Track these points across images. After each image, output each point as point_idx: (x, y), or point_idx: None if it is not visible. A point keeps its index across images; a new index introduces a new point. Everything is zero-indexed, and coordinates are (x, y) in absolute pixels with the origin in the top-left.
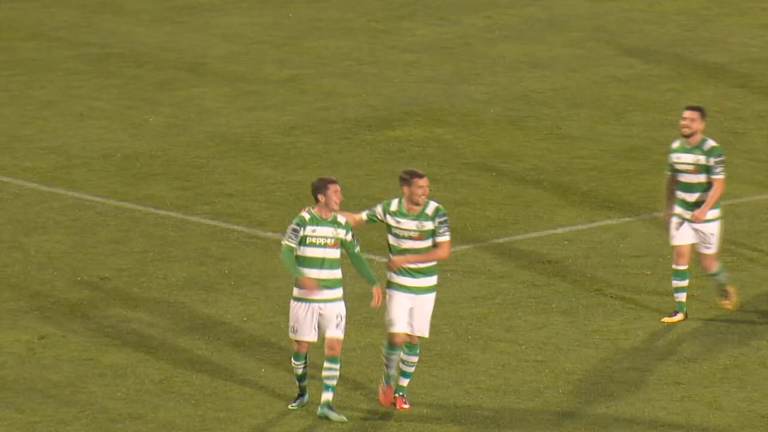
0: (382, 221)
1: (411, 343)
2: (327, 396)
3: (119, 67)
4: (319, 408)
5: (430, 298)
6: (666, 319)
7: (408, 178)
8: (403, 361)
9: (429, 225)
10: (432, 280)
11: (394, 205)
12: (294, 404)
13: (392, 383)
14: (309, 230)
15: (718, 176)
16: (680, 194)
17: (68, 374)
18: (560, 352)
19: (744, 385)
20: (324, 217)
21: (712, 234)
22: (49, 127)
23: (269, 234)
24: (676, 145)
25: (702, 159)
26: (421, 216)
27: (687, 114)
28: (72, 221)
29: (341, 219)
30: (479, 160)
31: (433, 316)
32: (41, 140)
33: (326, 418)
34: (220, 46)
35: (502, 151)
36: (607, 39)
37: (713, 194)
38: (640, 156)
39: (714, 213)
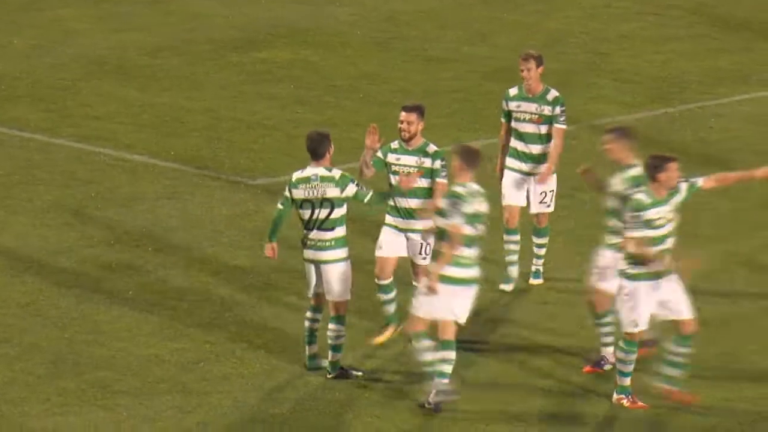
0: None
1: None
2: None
3: None
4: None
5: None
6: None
7: (663, 164)
8: (675, 354)
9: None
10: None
11: (644, 195)
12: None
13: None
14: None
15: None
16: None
17: None
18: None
19: None
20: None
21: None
22: None
23: (136, 157)
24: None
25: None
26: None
27: (403, 116)
28: None
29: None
30: (346, 82)
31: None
32: None
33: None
34: None
35: (369, 72)
36: None
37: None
38: (506, 77)
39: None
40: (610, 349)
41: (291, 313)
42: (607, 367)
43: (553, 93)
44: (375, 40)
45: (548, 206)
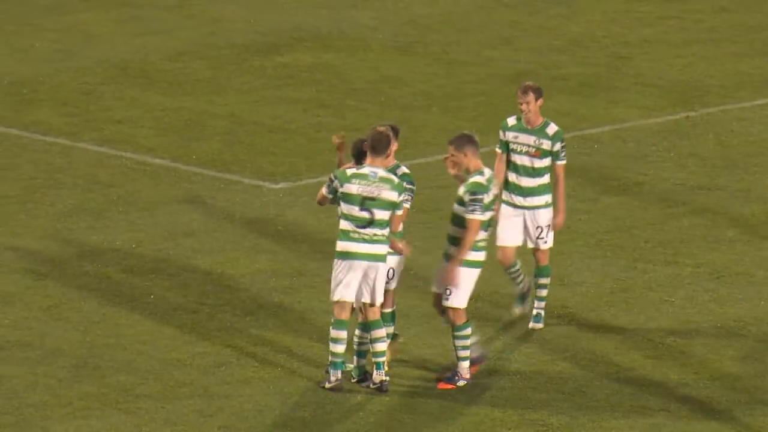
0: None
1: None
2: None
3: None
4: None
5: None
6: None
7: None
8: None
9: None
10: None
11: None
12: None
13: None
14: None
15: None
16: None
17: None
18: None
19: (630, 308)
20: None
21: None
22: None
23: (157, 160)
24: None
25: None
26: None
27: None
28: None
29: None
30: (367, 86)
31: None
32: None
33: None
34: None
35: (391, 76)
36: None
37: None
38: (528, 81)
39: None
40: (466, 363)
41: (312, 316)
42: (461, 383)
43: (553, 127)
44: (396, 43)
45: (545, 242)
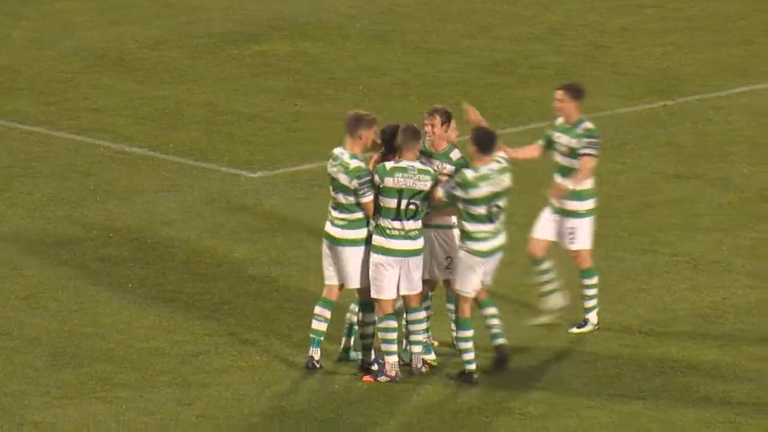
0: None
1: None
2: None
3: None
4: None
5: None
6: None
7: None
8: None
9: None
10: None
11: None
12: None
13: None
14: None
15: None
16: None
17: None
18: None
19: (608, 297)
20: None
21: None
22: None
23: (135, 149)
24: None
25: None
26: None
27: None
28: None
29: None
30: (346, 75)
31: None
32: None
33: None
34: None
35: (369, 65)
36: None
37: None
38: (506, 70)
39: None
40: (391, 358)
41: (290, 305)
42: (382, 378)
43: (457, 153)
44: (374, 32)
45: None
